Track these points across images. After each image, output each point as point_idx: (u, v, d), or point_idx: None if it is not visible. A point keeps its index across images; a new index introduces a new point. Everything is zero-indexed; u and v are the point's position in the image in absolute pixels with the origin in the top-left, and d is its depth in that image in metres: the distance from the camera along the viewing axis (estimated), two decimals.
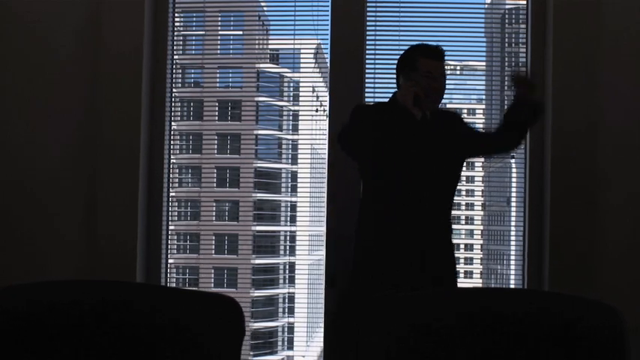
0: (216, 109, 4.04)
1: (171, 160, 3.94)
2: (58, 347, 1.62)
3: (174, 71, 3.94)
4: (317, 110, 4.01)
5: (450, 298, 1.64)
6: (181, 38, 4.08)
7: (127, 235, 3.69)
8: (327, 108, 3.85)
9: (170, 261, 3.97)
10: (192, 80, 4.17)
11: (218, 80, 4.13)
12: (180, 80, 4.02)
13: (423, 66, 3.09)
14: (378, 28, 3.80)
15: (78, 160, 3.74)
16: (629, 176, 3.49)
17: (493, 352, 1.55)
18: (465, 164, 3.29)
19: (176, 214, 3.99)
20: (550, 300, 1.62)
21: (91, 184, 3.71)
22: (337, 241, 3.71)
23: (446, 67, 3.21)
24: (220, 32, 4.12)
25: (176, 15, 4.00)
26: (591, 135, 3.51)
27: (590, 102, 3.51)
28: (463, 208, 4.10)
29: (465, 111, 4.08)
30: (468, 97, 4.06)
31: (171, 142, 3.94)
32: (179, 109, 4.01)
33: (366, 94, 3.76)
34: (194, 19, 4.13)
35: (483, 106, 4.06)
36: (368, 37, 3.78)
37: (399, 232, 3.06)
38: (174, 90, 3.97)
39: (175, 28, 3.99)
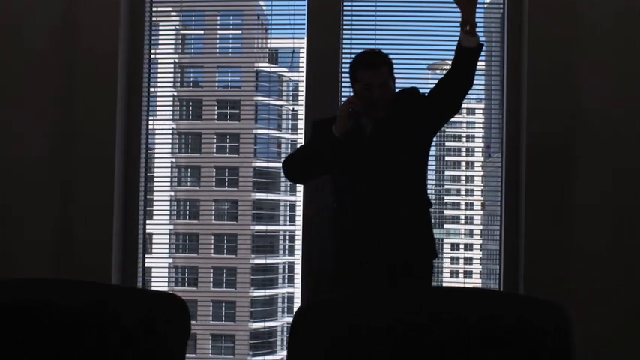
0: (215, 108, 4.05)
1: (147, 160, 3.91)
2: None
3: (151, 70, 3.91)
4: (293, 110, 4.00)
5: (391, 298, 1.62)
6: (180, 38, 4.09)
7: (102, 235, 3.66)
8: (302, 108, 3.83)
9: (169, 260, 3.98)
10: (190, 80, 4.17)
11: (217, 80, 4.13)
12: (155, 78, 3.94)
13: (362, 78, 3.05)
14: (354, 28, 3.77)
15: (53, 160, 3.69)
16: (605, 176, 3.46)
17: (435, 354, 1.53)
18: (433, 137, 3.20)
19: (175, 213, 4.00)
20: (495, 299, 1.60)
21: (66, 185, 3.68)
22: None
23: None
24: (219, 32, 4.12)
25: (174, 14, 4.01)
26: (568, 134, 3.48)
27: (566, 102, 3.49)
28: (463, 208, 4.07)
29: (465, 110, 4.04)
30: (468, 97, 3.99)
31: (148, 141, 3.91)
32: (170, 109, 4.01)
33: (342, 94, 3.74)
34: (193, 18, 4.14)
35: (483, 106, 4.03)
36: (344, 37, 3.76)
37: (355, 232, 3.06)
38: (173, 90, 3.99)
39: (175, 28, 4.00)
